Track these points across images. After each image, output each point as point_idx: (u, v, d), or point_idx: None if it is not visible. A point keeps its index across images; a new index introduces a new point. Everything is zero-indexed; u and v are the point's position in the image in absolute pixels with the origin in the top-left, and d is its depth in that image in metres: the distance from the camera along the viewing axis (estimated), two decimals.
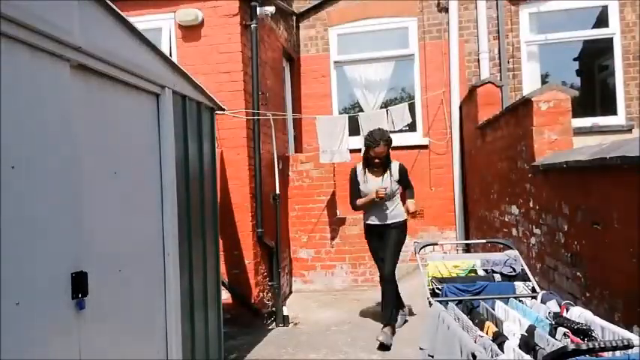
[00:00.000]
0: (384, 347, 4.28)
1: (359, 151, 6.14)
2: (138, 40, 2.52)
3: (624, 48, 6.85)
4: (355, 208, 4.72)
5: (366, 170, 4.62)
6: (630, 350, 1.68)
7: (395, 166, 4.63)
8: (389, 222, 4.58)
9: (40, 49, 1.76)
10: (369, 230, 4.72)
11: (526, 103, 4.09)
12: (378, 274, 4.78)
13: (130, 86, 2.47)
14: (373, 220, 4.64)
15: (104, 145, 2.23)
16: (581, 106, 6.65)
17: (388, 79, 7.68)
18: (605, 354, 1.82)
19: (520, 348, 2.01)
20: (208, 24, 5.00)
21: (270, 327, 5.08)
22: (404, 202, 4.73)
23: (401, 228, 4.63)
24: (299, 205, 6.43)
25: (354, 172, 4.68)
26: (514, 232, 4.68)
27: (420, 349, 2.75)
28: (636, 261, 2.45)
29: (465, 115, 7.00)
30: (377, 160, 4.48)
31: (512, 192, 4.69)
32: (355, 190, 4.65)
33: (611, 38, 6.91)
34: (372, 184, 4.55)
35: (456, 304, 2.70)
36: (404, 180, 4.66)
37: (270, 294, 5.37)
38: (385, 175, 4.57)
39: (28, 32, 1.67)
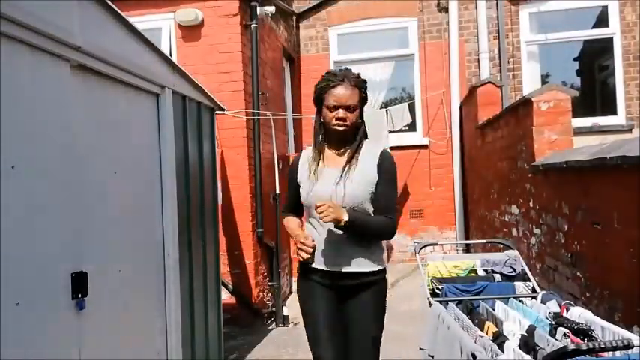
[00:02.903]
0: None
1: None
2: (138, 40, 2.52)
3: (624, 48, 6.85)
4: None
5: (321, 151, 2.34)
6: (630, 350, 1.68)
7: (374, 151, 2.32)
8: (351, 269, 2.23)
9: (40, 49, 1.75)
10: (309, 284, 2.34)
11: (526, 103, 4.09)
12: None
13: (130, 86, 2.47)
14: (319, 264, 2.27)
15: (104, 145, 2.23)
16: (581, 106, 6.65)
17: (388, 79, 7.68)
18: (605, 354, 1.82)
19: (520, 348, 2.01)
20: (208, 24, 5.00)
21: (270, 327, 5.08)
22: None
23: (378, 285, 2.30)
24: None
25: (296, 161, 2.44)
26: (514, 232, 4.68)
27: (420, 349, 2.75)
28: (636, 261, 2.45)
29: (465, 115, 7.00)
30: (339, 121, 2.23)
31: (512, 192, 4.69)
32: (290, 192, 2.45)
33: (611, 38, 6.92)
34: (326, 177, 2.26)
35: (456, 304, 2.70)
36: (383, 183, 2.25)
37: (270, 294, 5.37)
38: (353, 160, 2.26)
39: (28, 32, 1.67)
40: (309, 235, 2.23)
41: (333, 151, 2.31)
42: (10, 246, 1.58)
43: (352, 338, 2.26)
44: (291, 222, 2.45)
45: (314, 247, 2.17)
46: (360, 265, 2.22)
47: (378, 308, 2.29)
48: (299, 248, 2.17)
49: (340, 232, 2.17)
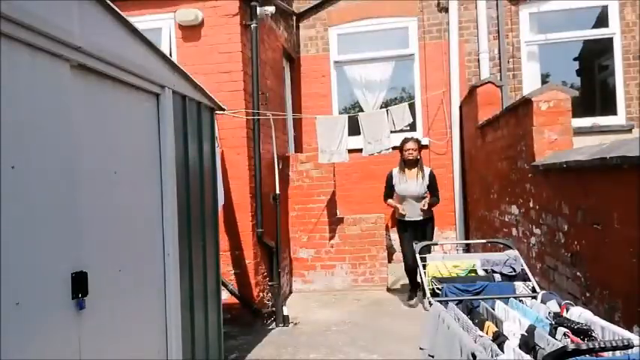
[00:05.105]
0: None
1: (359, 150, 6.15)
2: (138, 40, 2.52)
3: (624, 48, 6.85)
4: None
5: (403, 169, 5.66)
6: (630, 350, 1.68)
7: (426, 170, 5.61)
8: (421, 218, 5.59)
9: (40, 49, 1.75)
10: (403, 224, 5.75)
11: (526, 103, 4.09)
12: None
13: (130, 86, 2.47)
14: (408, 217, 5.64)
15: (104, 145, 2.23)
16: (581, 106, 6.65)
17: (388, 79, 7.68)
18: (605, 354, 1.82)
19: (520, 348, 2.01)
20: (208, 24, 4.99)
21: (270, 327, 5.08)
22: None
23: (431, 222, 5.74)
24: (299, 205, 6.43)
25: (390, 173, 5.73)
26: (514, 232, 4.68)
27: (420, 349, 2.75)
28: (636, 261, 2.45)
29: (465, 115, 7.00)
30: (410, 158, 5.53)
31: (512, 192, 4.69)
32: (388, 188, 5.74)
33: (611, 38, 6.92)
34: (409, 181, 5.60)
35: (456, 304, 2.70)
36: (432, 183, 5.58)
37: (270, 294, 5.37)
38: (419, 174, 5.57)
39: (28, 32, 1.67)
40: (401, 206, 5.53)
41: (408, 170, 5.64)
42: (10, 246, 1.59)
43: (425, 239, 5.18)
44: (392, 201, 5.68)
45: (404, 211, 5.52)
46: (424, 215, 5.54)
47: (432, 228, 5.68)
48: (400, 212, 5.54)
49: (417, 203, 5.50)
